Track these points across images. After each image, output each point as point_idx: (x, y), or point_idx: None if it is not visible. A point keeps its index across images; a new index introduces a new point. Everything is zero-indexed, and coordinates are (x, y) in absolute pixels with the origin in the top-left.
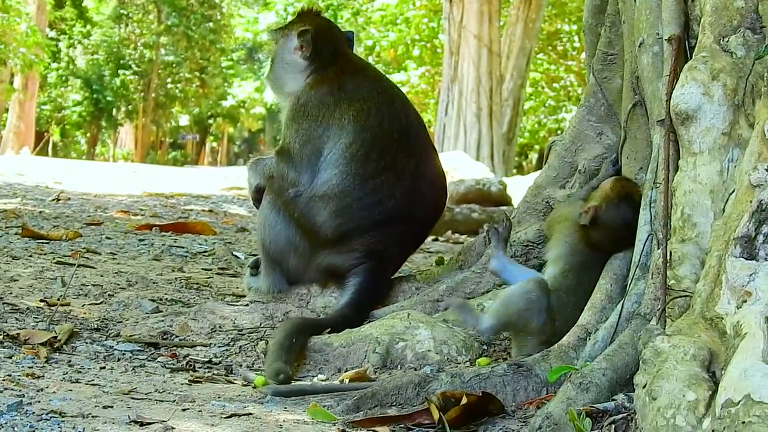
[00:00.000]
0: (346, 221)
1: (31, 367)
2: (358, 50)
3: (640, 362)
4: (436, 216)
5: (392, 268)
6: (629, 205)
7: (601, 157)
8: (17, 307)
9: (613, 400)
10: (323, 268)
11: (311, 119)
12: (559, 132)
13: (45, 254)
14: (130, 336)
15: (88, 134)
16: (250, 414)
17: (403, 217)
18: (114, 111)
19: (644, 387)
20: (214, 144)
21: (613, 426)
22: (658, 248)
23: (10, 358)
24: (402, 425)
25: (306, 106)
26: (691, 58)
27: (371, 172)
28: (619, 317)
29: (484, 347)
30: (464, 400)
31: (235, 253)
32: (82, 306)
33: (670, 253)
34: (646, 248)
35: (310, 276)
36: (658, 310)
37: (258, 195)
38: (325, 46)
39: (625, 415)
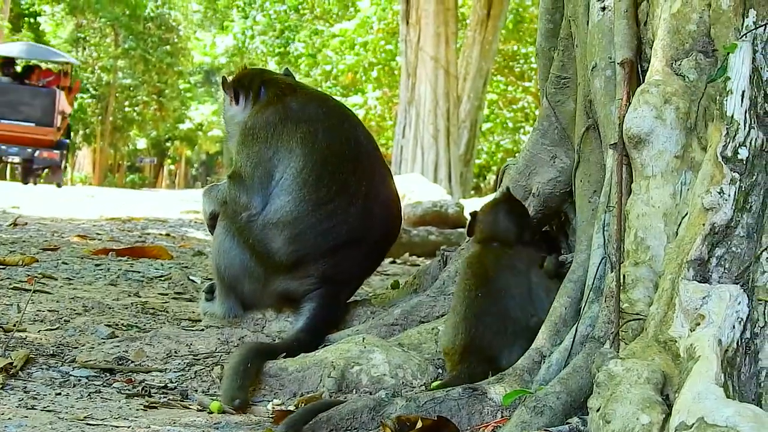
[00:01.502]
0: (301, 248)
1: None
2: (316, 73)
3: (594, 385)
4: (392, 238)
5: (347, 292)
6: (499, 209)
7: (555, 180)
8: None
9: (567, 423)
10: (278, 293)
11: (260, 141)
12: (516, 153)
13: (1, 280)
14: (86, 362)
15: None
16: None
17: (357, 241)
18: (72, 135)
19: (598, 410)
20: (172, 167)
21: None
22: (612, 271)
23: None
24: None
25: (254, 129)
26: (643, 81)
27: (324, 198)
28: (573, 340)
29: (440, 371)
30: (419, 424)
31: (191, 277)
32: (38, 332)
33: (624, 276)
34: (600, 271)
35: (266, 301)
36: (612, 333)
37: (213, 222)
38: (250, 83)
39: None
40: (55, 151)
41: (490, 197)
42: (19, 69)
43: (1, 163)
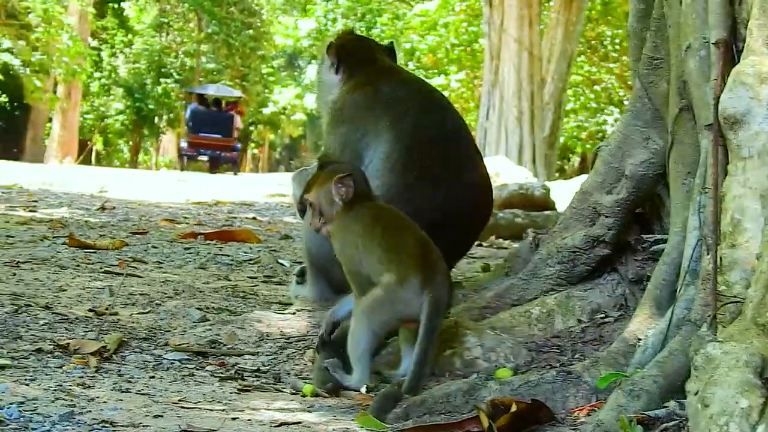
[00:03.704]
0: None
1: (82, 377)
2: (398, 55)
3: (692, 369)
4: (480, 222)
5: None
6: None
7: (648, 162)
8: (66, 317)
9: (664, 407)
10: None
11: (348, 123)
12: (600, 135)
13: (92, 264)
14: (179, 345)
15: (131, 143)
16: (300, 422)
17: (445, 225)
18: (156, 119)
19: (696, 394)
20: (255, 151)
21: None
22: (708, 254)
23: (61, 368)
24: None
25: (342, 110)
26: (738, 61)
27: (411, 183)
28: (669, 324)
29: (533, 354)
30: (513, 408)
31: (280, 260)
32: (130, 315)
33: (720, 258)
34: (696, 254)
35: None
36: (709, 316)
37: (303, 206)
38: (352, 56)
39: (677, 422)
40: (234, 153)
41: (575, 180)
42: (209, 101)
43: (197, 161)
